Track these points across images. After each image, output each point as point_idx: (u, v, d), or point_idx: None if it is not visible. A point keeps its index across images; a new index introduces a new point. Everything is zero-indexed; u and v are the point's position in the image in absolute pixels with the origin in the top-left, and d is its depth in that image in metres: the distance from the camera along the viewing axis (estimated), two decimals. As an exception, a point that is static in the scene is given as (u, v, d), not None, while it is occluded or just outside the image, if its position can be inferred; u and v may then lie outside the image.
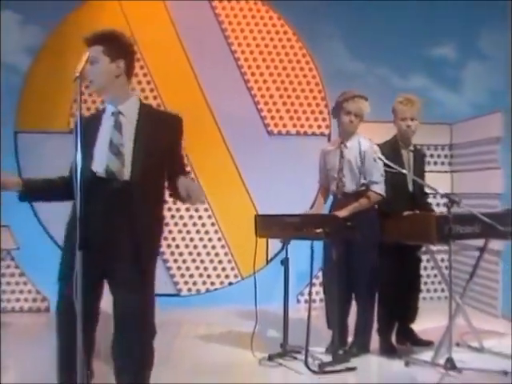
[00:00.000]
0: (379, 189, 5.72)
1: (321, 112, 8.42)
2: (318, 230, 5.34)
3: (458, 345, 5.79)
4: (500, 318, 7.12)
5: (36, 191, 3.85)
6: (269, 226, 5.82)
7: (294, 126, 8.47)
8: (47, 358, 5.56)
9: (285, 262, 5.70)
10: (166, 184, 3.89)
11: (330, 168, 5.96)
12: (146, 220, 3.72)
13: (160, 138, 3.77)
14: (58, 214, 7.34)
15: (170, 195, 3.92)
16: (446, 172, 8.56)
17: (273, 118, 8.45)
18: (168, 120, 3.94)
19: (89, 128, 3.63)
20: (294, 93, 8.47)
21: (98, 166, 3.64)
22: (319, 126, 8.40)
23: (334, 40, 8.43)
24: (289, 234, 5.60)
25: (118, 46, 3.82)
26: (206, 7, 8.32)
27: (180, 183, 3.61)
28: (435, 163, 8.48)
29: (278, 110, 8.48)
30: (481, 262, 6.80)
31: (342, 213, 5.62)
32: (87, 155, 3.55)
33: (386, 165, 5.57)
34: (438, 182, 7.88)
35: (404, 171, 5.57)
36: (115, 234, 3.64)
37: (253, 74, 8.41)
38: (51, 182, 3.91)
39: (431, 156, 8.38)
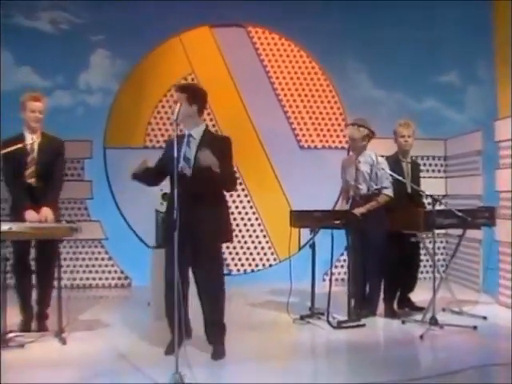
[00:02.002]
0: (389, 192, 6.53)
1: (341, 130, 9.05)
2: (337, 222, 6.23)
3: (443, 310, 6.65)
4: (481, 292, 7.76)
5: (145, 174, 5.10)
6: (301, 218, 6.65)
7: (321, 141, 9.21)
8: (131, 320, 6.69)
9: (312, 246, 6.53)
10: None
11: (348, 178, 6.77)
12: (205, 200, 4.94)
13: (211, 148, 4.89)
14: (137, 211, 8.54)
15: None
16: (441, 178, 9.16)
17: (303, 135, 9.19)
18: (218, 138, 5.29)
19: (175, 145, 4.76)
20: (320, 115, 9.20)
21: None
22: (340, 141, 9.11)
23: (360, 73, 9.19)
24: (315, 224, 6.40)
25: (193, 95, 5.05)
26: (250, 49, 9.09)
27: None
28: (433, 171, 9.11)
29: (307, 129, 9.20)
30: (465, 249, 7.75)
31: (361, 210, 6.45)
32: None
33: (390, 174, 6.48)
34: (435, 185, 8.82)
35: (401, 178, 6.40)
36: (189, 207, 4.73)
37: (287, 101, 9.16)
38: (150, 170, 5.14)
39: (429, 165, 9.07)
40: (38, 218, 5.65)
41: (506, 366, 4.85)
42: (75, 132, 8.10)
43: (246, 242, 9.12)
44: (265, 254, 9.18)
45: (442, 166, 9.24)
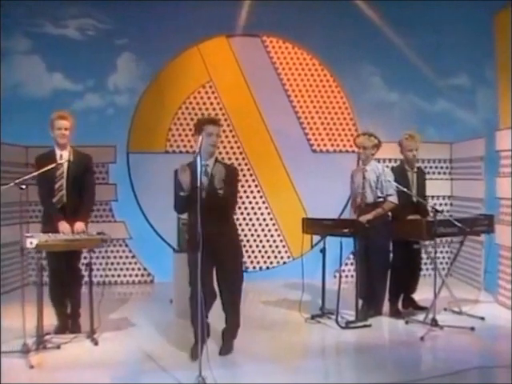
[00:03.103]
0: (394, 199, 6.89)
1: (352, 135, 9.41)
2: (345, 230, 6.66)
3: (445, 309, 7.08)
4: (482, 290, 8.19)
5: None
6: (312, 226, 7.08)
7: (332, 145, 9.61)
8: (155, 318, 7.18)
9: (323, 251, 6.93)
10: None
11: (356, 185, 7.14)
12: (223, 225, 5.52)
13: (222, 178, 5.46)
14: (158, 213, 8.98)
15: None
16: (447, 180, 9.53)
17: (316, 139, 9.59)
18: (227, 168, 5.64)
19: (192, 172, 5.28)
20: (331, 120, 9.59)
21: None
22: (351, 146, 9.38)
23: (374, 76, 9.57)
24: (325, 231, 6.86)
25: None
26: (265, 57, 9.48)
27: None
28: (439, 173, 9.49)
29: (319, 134, 9.60)
30: (468, 249, 8.13)
31: (368, 216, 6.83)
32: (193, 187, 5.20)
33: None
34: (441, 187, 9.26)
35: (405, 190, 6.72)
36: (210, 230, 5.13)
37: (300, 107, 9.56)
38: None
39: (436, 167, 9.45)
40: (71, 230, 6.12)
41: (503, 367, 5.29)
42: (106, 130, 8.86)
43: (261, 241, 9.56)
44: (279, 252, 9.61)
45: (447, 168, 9.60)
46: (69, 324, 6.49)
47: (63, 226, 6.14)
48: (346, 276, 8.79)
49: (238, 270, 5.82)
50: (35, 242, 5.74)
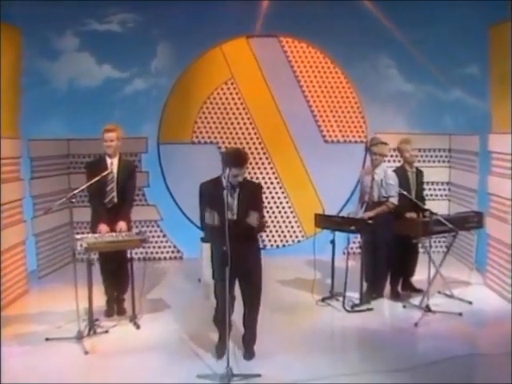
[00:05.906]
0: (394, 200, 7.51)
1: (360, 126, 10.05)
2: (352, 227, 7.33)
3: (439, 292, 7.75)
4: (474, 270, 8.96)
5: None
6: (323, 221, 7.74)
7: (342, 136, 10.13)
8: (187, 297, 7.85)
9: (332, 242, 7.57)
10: None
11: (365, 185, 7.78)
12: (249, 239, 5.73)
13: (249, 196, 5.66)
14: (185, 197, 9.55)
15: None
16: (445, 167, 10.06)
17: (328, 130, 10.12)
18: (253, 187, 5.81)
19: (217, 191, 5.56)
20: (342, 113, 10.11)
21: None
22: (359, 136, 10.06)
23: (391, 68, 9.99)
24: (334, 226, 7.52)
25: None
26: (282, 56, 9.95)
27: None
28: (439, 161, 10.04)
29: (331, 126, 10.12)
30: (464, 232, 8.55)
31: (370, 214, 7.48)
32: (220, 208, 5.48)
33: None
34: (441, 174, 9.86)
35: (405, 193, 7.41)
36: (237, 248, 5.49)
37: (314, 101, 10.06)
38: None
39: (436, 156, 10.00)
40: (111, 230, 6.80)
41: (484, 354, 6.06)
42: (151, 110, 9.71)
43: (278, 222, 10.22)
44: (294, 232, 10.27)
45: (446, 157, 10.12)
46: (115, 308, 7.29)
47: (101, 227, 6.82)
48: (354, 253, 9.21)
49: (259, 287, 5.89)
50: (85, 244, 6.47)
